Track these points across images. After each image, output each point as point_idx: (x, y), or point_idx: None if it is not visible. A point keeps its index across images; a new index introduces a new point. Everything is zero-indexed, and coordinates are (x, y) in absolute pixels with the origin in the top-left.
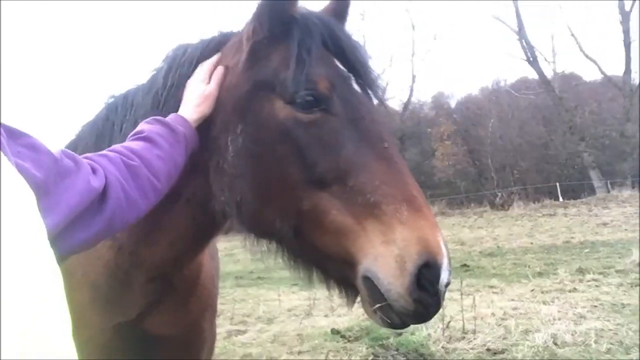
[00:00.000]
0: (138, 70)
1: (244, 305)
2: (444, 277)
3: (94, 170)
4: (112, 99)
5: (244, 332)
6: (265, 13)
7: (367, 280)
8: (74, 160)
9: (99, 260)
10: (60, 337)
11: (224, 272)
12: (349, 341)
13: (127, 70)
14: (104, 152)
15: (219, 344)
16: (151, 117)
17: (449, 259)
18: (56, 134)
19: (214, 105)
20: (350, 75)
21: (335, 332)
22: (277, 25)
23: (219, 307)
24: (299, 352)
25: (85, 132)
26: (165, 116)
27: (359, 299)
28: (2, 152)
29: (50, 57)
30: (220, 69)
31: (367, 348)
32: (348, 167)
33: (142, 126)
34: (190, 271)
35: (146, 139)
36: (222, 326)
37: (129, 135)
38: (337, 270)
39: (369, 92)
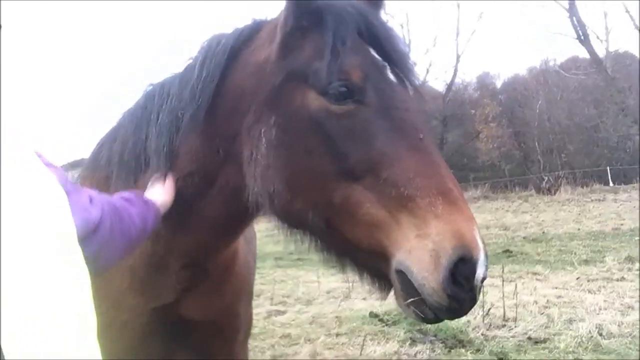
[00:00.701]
0: (137, 69)
1: (284, 286)
2: (479, 272)
3: (91, 200)
4: (151, 87)
5: (284, 312)
6: (294, 3)
7: (401, 273)
8: (75, 187)
9: None
10: (84, 338)
11: (263, 252)
12: (386, 325)
13: (125, 69)
14: (94, 192)
15: (259, 324)
16: (129, 191)
17: (486, 253)
18: (55, 132)
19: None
20: (386, 64)
21: (373, 315)
22: (307, 14)
23: (259, 287)
24: (337, 335)
25: (126, 119)
26: (201, 108)
27: (392, 291)
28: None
29: (50, 57)
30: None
31: (405, 332)
32: (381, 159)
33: (121, 193)
34: (225, 257)
35: (127, 200)
36: (262, 306)
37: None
38: (370, 262)
39: (405, 81)
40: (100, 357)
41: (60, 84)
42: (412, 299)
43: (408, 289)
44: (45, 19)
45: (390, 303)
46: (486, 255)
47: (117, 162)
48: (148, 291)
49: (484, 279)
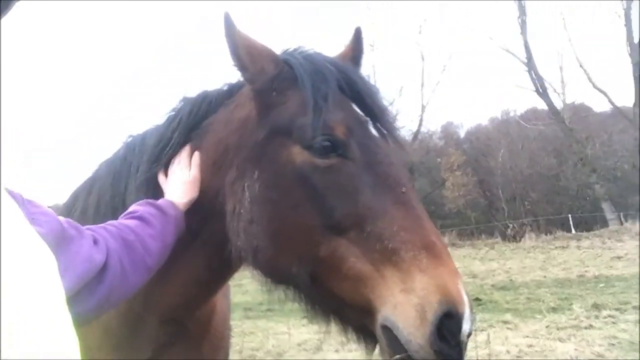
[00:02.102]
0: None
1: (253, 339)
2: (465, 327)
3: (95, 241)
4: (131, 139)
5: None
6: (246, 69)
7: (387, 329)
8: (77, 229)
9: None
10: None
11: (232, 303)
12: None
13: (124, 72)
14: (102, 225)
15: None
16: (143, 200)
17: (471, 307)
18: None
19: (199, 188)
20: (368, 119)
21: None
22: (283, 79)
23: None
24: None
25: (103, 170)
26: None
27: (377, 348)
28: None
29: (50, 57)
30: (197, 155)
31: None
32: (366, 213)
33: (135, 207)
34: (203, 313)
35: (140, 218)
36: None
37: (122, 215)
38: (356, 317)
39: (387, 135)
40: None
41: (59, 83)
42: (398, 356)
43: (394, 345)
44: (45, 18)
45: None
46: (472, 310)
47: (93, 215)
48: (122, 349)
49: (469, 334)
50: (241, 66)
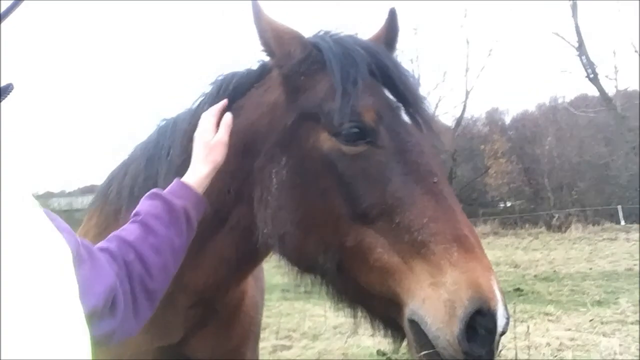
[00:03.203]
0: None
1: (290, 320)
2: (499, 325)
3: (112, 255)
4: (164, 122)
5: (289, 347)
6: (276, 54)
7: (414, 324)
8: (89, 251)
9: None
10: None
11: (270, 284)
12: None
13: (128, 69)
14: (105, 244)
15: (264, 358)
16: (151, 191)
17: (505, 304)
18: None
19: (225, 152)
20: (400, 104)
21: (381, 353)
22: (312, 62)
23: (265, 320)
24: None
25: (137, 154)
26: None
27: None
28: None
29: (49, 57)
30: (228, 115)
31: None
32: (394, 203)
33: (141, 205)
34: (233, 297)
35: (142, 224)
36: (268, 340)
37: (131, 216)
38: (382, 309)
39: (419, 121)
40: None
41: (58, 82)
42: (426, 352)
43: (421, 341)
44: (45, 18)
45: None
46: (505, 307)
47: (127, 196)
48: (154, 329)
49: (503, 332)
50: (269, 51)
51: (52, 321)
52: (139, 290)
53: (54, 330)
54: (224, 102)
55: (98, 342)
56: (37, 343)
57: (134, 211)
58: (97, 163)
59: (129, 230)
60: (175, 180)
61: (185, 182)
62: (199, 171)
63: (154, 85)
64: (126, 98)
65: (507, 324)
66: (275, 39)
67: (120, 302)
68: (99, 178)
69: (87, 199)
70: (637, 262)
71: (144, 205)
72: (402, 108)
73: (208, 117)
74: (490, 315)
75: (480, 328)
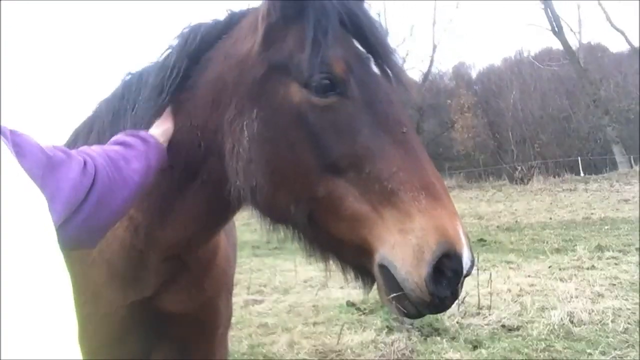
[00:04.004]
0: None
1: (261, 275)
2: (464, 267)
3: (85, 162)
4: (129, 77)
5: (261, 302)
6: None
7: (384, 268)
8: (65, 153)
9: (115, 240)
10: (65, 339)
11: (240, 241)
12: (363, 314)
13: (124, 65)
14: (87, 147)
15: (236, 313)
16: (122, 132)
17: (470, 248)
18: (54, 130)
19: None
20: (369, 56)
21: (350, 304)
22: (290, 5)
23: (236, 277)
24: (314, 324)
25: (102, 109)
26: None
27: (375, 285)
28: (7, 153)
29: (49, 57)
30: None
31: (381, 321)
32: (364, 153)
33: (116, 137)
34: (205, 251)
35: (122, 143)
36: (239, 295)
37: (107, 143)
38: (353, 257)
39: (389, 73)
40: (81, 357)
41: (58, 82)
42: (394, 294)
43: (391, 284)
44: (44, 18)
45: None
46: (471, 251)
47: None
48: (126, 285)
49: (467, 274)
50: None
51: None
52: (126, 179)
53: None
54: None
55: (87, 228)
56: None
57: (109, 140)
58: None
59: (111, 146)
60: (143, 131)
61: (151, 133)
62: (156, 128)
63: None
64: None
65: (472, 266)
66: None
67: (99, 185)
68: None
69: None
70: (594, 211)
71: (119, 136)
72: (372, 59)
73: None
74: (457, 258)
75: (447, 270)
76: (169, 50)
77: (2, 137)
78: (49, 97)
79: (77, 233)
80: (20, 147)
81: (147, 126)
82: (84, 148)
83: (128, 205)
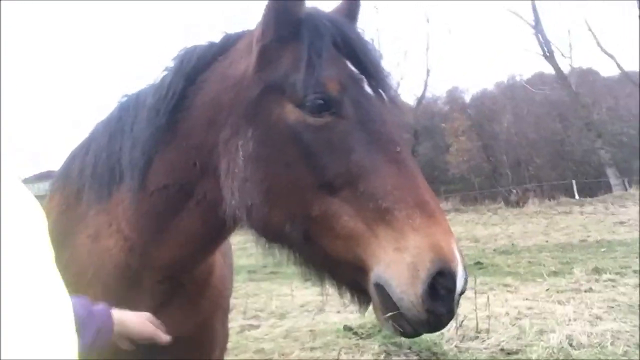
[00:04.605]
0: (136, 69)
1: (257, 300)
2: (458, 285)
3: None
4: (125, 99)
5: (257, 327)
6: (272, 15)
7: (379, 287)
8: None
9: (110, 261)
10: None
11: (236, 265)
12: (361, 338)
13: (125, 69)
14: None
15: (232, 339)
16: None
17: (464, 266)
18: (54, 131)
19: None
20: (362, 76)
21: (347, 328)
22: (285, 27)
23: (232, 301)
24: (311, 349)
25: (99, 131)
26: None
27: (371, 305)
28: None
29: (49, 57)
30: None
31: (379, 346)
32: (359, 172)
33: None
34: (201, 272)
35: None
36: (235, 320)
37: None
38: (349, 275)
39: (382, 93)
40: None
41: (58, 83)
42: (391, 313)
43: (387, 303)
44: (45, 18)
45: (364, 316)
46: (465, 269)
47: (90, 175)
48: (121, 306)
49: (462, 292)
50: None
51: (31, 290)
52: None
53: (35, 300)
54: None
55: None
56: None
57: None
58: (52, 148)
59: None
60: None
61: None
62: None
63: (139, 74)
64: (111, 86)
65: (465, 283)
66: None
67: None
68: (55, 164)
69: (44, 186)
70: (590, 233)
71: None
72: (365, 80)
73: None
74: (452, 276)
75: (442, 288)
76: (165, 72)
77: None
78: (48, 98)
79: None
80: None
81: (144, 147)
82: None
83: None
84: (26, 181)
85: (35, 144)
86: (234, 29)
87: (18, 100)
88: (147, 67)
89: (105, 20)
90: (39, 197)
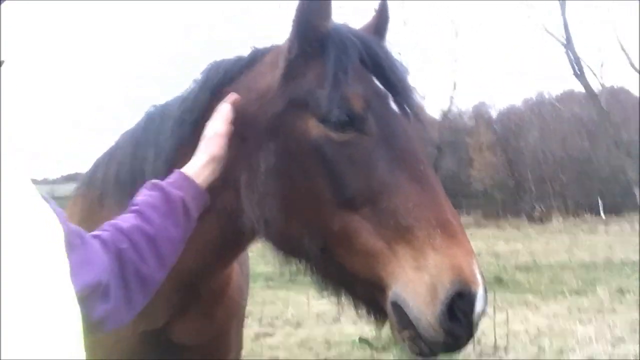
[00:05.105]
0: (136, 69)
1: (273, 308)
2: (478, 307)
3: (104, 242)
4: (153, 109)
5: (272, 334)
6: (298, 30)
7: (397, 306)
8: (81, 236)
9: None
10: (69, 337)
11: (254, 272)
12: (376, 350)
13: (125, 69)
14: (98, 232)
15: (247, 346)
16: (150, 182)
17: (485, 288)
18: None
19: (223, 143)
20: (388, 93)
21: (363, 340)
22: (311, 42)
23: (248, 308)
24: (326, 359)
25: (125, 140)
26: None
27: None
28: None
29: (49, 57)
30: (224, 107)
31: (394, 359)
32: (380, 189)
33: (138, 195)
34: (218, 282)
35: (138, 213)
36: (250, 327)
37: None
38: (366, 292)
39: (407, 110)
40: None
41: (58, 83)
42: (407, 333)
43: (404, 322)
44: (45, 19)
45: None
46: (485, 291)
47: (113, 182)
48: (138, 314)
49: (482, 314)
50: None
51: (43, 301)
52: (132, 278)
53: (45, 310)
54: (235, 97)
55: (90, 328)
56: (28, 322)
57: (132, 201)
58: (80, 150)
59: (124, 218)
60: (175, 171)
61: (184, 173)
62: (197, 162)
63: (139, 74)
64: (111, 86)
65: (486, 304)
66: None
67: (113, 289)
68: (82, 165)
69: (70, 187)
70: (615, 252)
71: (142, 194)
72: (391, 97)
73: (217, 110)
74: (471, 297)
75: (460, 310)
76: (193, 85)
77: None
78: (48, 98)
79: (97, 323)
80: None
81: (168, 157)
82: (95, 234)
83: (160, 280)
84: (54, 182)
85: (63, 146)
86: (234, 28)
87: (18, 100)
88: (147, 67)
89: (106, 21)
90: (66, 199)
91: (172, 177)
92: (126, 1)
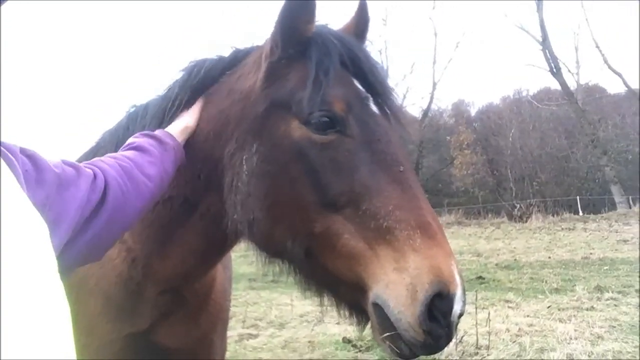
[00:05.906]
0: (135, 71)
1: (257, 309)
2: (456, 308)
3: (95, 176)
4: (134, 108)
5: (256, 336)
6: (281, 33)
7: (377, 307)
8: (75, 167)
9: (112, 271)
10: (60, 338)
11: (237, 273)
12: (360, 351)
13: (125, 70)
14: (99, 158)
15: (230, 348)
16: (139, 132)
17: (463, 289)
18: (54, 133)
19: (194, 117)
20: (369, 95)
21: (346, 341)
22: (293, 44)
23: (232, 309)
24: None
25: (106, 139)
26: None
27: (369, 324)
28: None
29: (49, 58)
30: (197, 103)
31: (378, 359)
32: (361, 191)
33: (132, 139)
34: (202, 285)
35: (137, 147)
36: (234, 329)
37: (120, 148)
38: (348, 294)
39: (388, 112)
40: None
41: (58, 84)
42: (388, 334)
43: (384, 323)
44: (44, 19)
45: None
46: (464, 291)
47: None
48: (122, 317)
49: (460, 314)
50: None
51: (33, 301)
52: (140, 188)
53: (36, 311)
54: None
55: (106, 236)
56: (20, 323)
57: (124, 145)
58: (81, 150)
59: (126, 152)
60: (160, 130)
61: (169, 131)
62: (175, 125)
63: (139, 74)
64: (111, 86)
65: (464, 305)
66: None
67: (111, 197)
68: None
69: None
70: (594, 251)
71: (134, 139)
72: (371, 99)
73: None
74: (450, 298)
75: (439, 310)
76: (173, 84)
77: (8, 157)
78: (48, 98)
79: (82, 252)
80: (30, 168)
81: None
82: (96, 160)
83: (141, 215)
84: None
85: (34, 144)
86: (234, 28)
87: (18, 100)
88: (146, 68)
89: (106, 21)
90: None
91: (159, 131)
92: (127, 1)
